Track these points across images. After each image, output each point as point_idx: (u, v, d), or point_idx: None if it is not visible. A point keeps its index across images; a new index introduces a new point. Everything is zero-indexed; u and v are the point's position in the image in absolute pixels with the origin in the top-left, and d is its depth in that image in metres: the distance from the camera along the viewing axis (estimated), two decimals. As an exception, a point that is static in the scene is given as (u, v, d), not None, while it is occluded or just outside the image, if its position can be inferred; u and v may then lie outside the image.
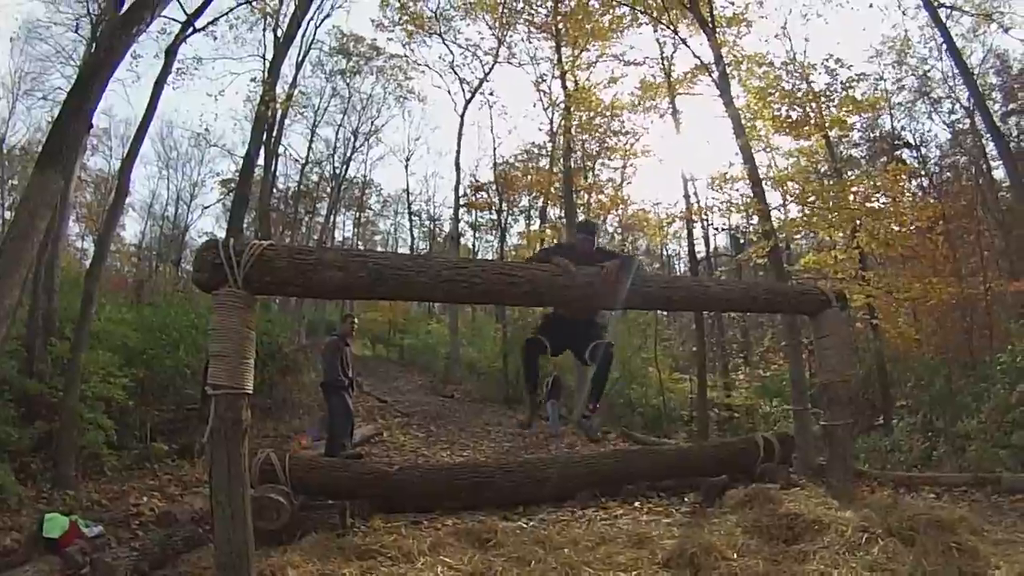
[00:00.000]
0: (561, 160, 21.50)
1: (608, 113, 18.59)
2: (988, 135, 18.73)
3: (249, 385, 4.41)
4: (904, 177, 15.38)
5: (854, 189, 14.10)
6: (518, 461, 8.11)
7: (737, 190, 15.76)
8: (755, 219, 15.58)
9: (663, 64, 17.33)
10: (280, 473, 6.40)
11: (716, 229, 28.62)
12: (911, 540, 4.71)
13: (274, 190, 28.57)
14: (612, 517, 6.80)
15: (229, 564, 4.25)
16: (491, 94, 32.39)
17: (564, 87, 19.63)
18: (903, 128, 24.90)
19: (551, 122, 23.60)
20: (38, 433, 8.86)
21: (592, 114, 18.58)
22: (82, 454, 9.12)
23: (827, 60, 15.47)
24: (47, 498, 7.95)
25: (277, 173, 28.32)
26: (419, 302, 37.36)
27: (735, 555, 4.70)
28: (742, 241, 26.41)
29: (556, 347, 6.38)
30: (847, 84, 14.88)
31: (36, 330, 10.09)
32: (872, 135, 25.01)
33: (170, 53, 11.58)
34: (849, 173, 19.71)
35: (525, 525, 6.44)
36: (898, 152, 22.76)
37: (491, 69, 26.52)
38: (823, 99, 14.72)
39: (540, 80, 23.83)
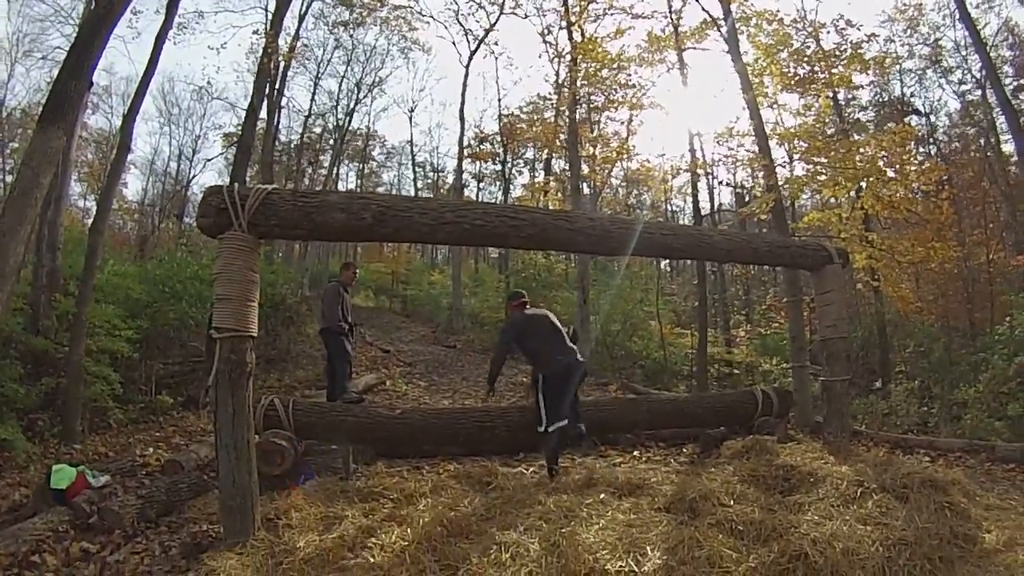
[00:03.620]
0: (566, 112, 21.27)
1: (615, 65, 18.29)
2: (999, 108, 18.57)
3: (254, 328, 4.45)
4: (911, 140, 15.21)
5: (861, 151, 13.94)
6: (518, 407, 8.17)
7: (742, 145, 15.67)
8: (758, 175, 15.50)
9: (671, 18, 17.03)
10: (284, 419, 6.49)
11: (721, 183, 28.53)
12: (904, 497, 4.78)
13: (277, 142, 28.34)
14: (611, 465, 6.93)
15: (234, 507, 4.33)
16: (496, 44, 31.97)
17: (571, 38, 19.37)
18: (912, 95, 24.70)
19: (556, 74, 23.36)
20: (45, 389, 8.87)
21: (599, 66, 18.28)
22: (88, 408, 9.18)
23: (837, 20, 15.24)
24: (54, 453, 7.99)
25: (280, 125, 28.10)
26: (422, 249, 37.71)
27: (732, 502, 4.77)
28: (746, 198, 26.31)
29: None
30: (857, 45, 14.68)
31: (40, 288, 10.09)
32: (881, 99, 24.81)
33: (171, 6, 11.35)
34: (856, 136, 19.57)
35: (525, 471, 6.56)
36: (907, 118, 22.53)
37: (497, 19, 26.05)
38: (832, 59, 14.52)
39: (546, 31, 23.53)
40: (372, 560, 3.73)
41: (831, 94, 15.90)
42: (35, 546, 4.53)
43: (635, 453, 7.61)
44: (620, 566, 3.70)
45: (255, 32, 21.88)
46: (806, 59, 13.98)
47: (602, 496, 5.09)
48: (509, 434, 7.44)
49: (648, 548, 3.91)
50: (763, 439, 6.88)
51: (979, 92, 22.20)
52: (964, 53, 22.38)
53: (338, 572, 3.74)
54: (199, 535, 4.64)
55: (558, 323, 6.86)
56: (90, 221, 13.97)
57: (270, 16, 18.92)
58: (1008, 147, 21.23)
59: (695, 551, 3.85)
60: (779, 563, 3.77)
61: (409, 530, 4.10)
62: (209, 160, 36.69)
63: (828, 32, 15.61)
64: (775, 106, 15.65)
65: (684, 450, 7.81)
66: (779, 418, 8.57)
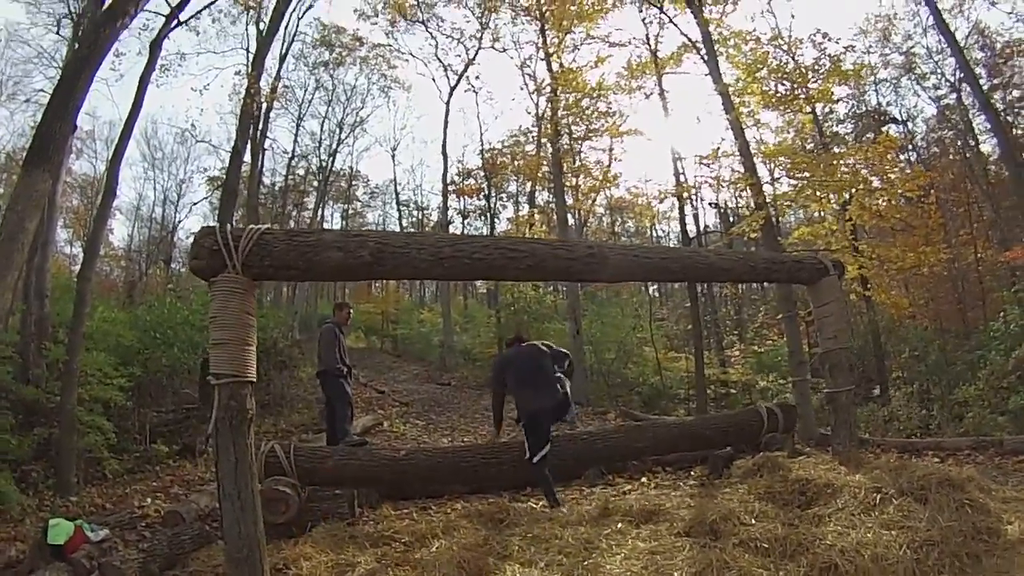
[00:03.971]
0: (548, 144, 21.40)
1: (595, 94, 18.48)
2: (977, 108, 18.93)
3: (252, 372, 4.28)
4: (894, 150, 15.35)
5: (844, 162, 14.06)
6: (523, 442, 8.10)
7: (729, 166, 15.81)
8: (744, 195, 15.60)
9: (649, 44, 17.27)
10: (285, 465, 6.32)
11: (711, 204, 28.71)
12: (923, 499, 4.71)
13: (261, 185, 28.34)
14: (621, 493, 6.77)
15: (241, 559, 4.11)
16: (477, 78, 32.27)
17: (550, 70, 19.54)
18: (889, 104, 25.00)
19: (536, 106, 23.60)
20: (37, 440, 8.68)
21: (579, 95, 18.46)
22: (83, 459, 8.97)
23: (814, 35, 15.39)
24: (49, 506, 7.78)
25: (264, 168, 28.12)
26: (410, 288, 37.66)
27: (753, 521, 4.68)
28: (731, 218, 26.46)
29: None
30: (836, 58, 14.84)
31: (29, 336, 9.92)
32: (858, 111, 25.08)
33: (155, 47, 11.34)
34: (836, 149, 19.76)
35: (535, 505, 6.40)
36: (885, 128, 22.77)
37: (475, 55, 26.33)
38: (811, 73, 14.67)
39: (525, 64, 23.83)
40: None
41: (810, 109, 16.04)
42: (35, 606, 4.35)
43: (643, 479, 7.48)
44: (649, 596, 3.58)
45: (237, 73, 21.99)
46: (786, 76, 14.10)
47: (619, 525, 4.96)
48: (516, 469, 7.22)
49: (675, 574, 3.82)
50: (774, 455, 6.77)
51: (954, 96, 22.55)
52: (937, 59, 22.74)
53: (358, 623, 3.56)
54: (205, 589, 4.46)
55: (546, 360, 7.08)
56: (77, 268, 13.85)
57: (251, 57, 19.00)
58: (986, 147, 21.74)
59: (724, 573, 3.77)
60: (811, 576, 3.70)
61: (426, 574, 3.94)
62: (195, 204, 36.66)
63: (806, 48, 15.81)
64: (758, 125, 15.77)
65: (692, 473, 7.68)
66: (785, 433, 8.52)
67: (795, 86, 14.12)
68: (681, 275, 8.12)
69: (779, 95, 13.86)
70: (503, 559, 4.29)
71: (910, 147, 24.06)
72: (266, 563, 4.25)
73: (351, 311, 9.97)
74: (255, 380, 4.34)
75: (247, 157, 20.20)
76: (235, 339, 4.22)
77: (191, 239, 4.58)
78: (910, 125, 24.75)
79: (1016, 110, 21.10)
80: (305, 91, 31.48)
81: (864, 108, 24.89)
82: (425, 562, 4.18)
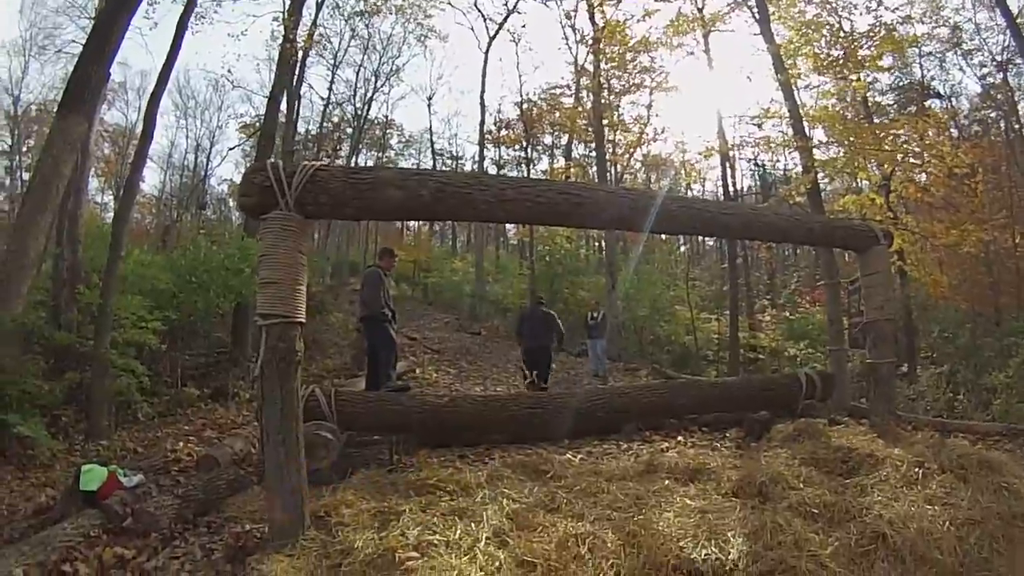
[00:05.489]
0: (587, 96, 21.15)
1: (640, 48, 18.13)
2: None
3: (302, 313, 4.22)
4: (947, 128, 15.00)
5: (893, 131, 13.73)
6: (570, 393, 8.02)
7: (776, 127, 15.56)
8: (783, 158, 15.38)
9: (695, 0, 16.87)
10: (326, 409, 6.26)
11: (755, 164, 28.39)
12: (963, 478, 4.66)
13: (295, 132, 28.27)
14: (659, 451, 6.64)
15: (282, 505, 4.07)
16: (523, 26, 31.87)
17: (592, 20, 19.19)
18: (933, 78, 24.30)
19: (575, 59, 23.27)
20: (68, 384, 8.69)
21: (623, 49, 18.12)
22: (114, 403, 8.97)
23: (869, 1, 14.95)
24: (79, 450, 7.81)
25: (299, 115, 28.02)
26: (441, 237, 37.48)
27: (801, 485, 4.61)
28: (770, 180, 26.11)
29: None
30: (890, 26, 14.43)
31: (62, 281, 9.93)
32: (900, 83, 24.46)
33: (193, -10, 11.22)
34: (878, 119, 19.34)
35: (573, 458, 6.30)
36: (928, 102, 22.22)
37: (516, 3, 25.97)
38: (864, 40, 14.25)
39: (567, 16, 23.46)
40: (443, 560, 3.42)
41: (859, 76, 15.65)
42: (66, 553, 4.28)
43: (679, 438, 7.38)
44: (706, 555, 3.52)
45: (275, 19, 21.79)
46: (840, 40, 13.76)
47: (666, 482, 4.88)
48: (561, 420, 7.20)
49: (729, 534, 3.73)
50: (814, 422, 6.67)
51: (1000, 75, 21.89)
52: (984, 36, 22.03)
53: (406, 574, 3.43)
54: (242, 536, 4.35)
55: (541, 320, 10.94)
56: (109, 216, 13.84)
57: (288, 3, 18.81)
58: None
59: (778, 536, 3.70)
60: (860, 544, 3.71)
61: (473, 524, 3.86)
62: (230, 149, 36.79)
63: (860, 14, 15.37)
64: (808, 88, 15.44)
65: (727, 435, 7.57)
66: (822, 401, 8.40)
67: (847, 52, 13.77)
68: (739, 232, 7.92)
69: (831, 59, 13.52)
70: (552, 512, 4.19)
71: (952, 124, 23.51)
72: (307, 510, 4.20)
73: (396, 257, 9.82)
74: (304, 321, 4.27)
75: (283, 106, 20.14)
76: (286, 279, 4.15)
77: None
78: (953, 102, 24.15)
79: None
80: (341, 39, 31.11)
81: (908, 80, 24.31)
82: (472, 512, 4.09)
